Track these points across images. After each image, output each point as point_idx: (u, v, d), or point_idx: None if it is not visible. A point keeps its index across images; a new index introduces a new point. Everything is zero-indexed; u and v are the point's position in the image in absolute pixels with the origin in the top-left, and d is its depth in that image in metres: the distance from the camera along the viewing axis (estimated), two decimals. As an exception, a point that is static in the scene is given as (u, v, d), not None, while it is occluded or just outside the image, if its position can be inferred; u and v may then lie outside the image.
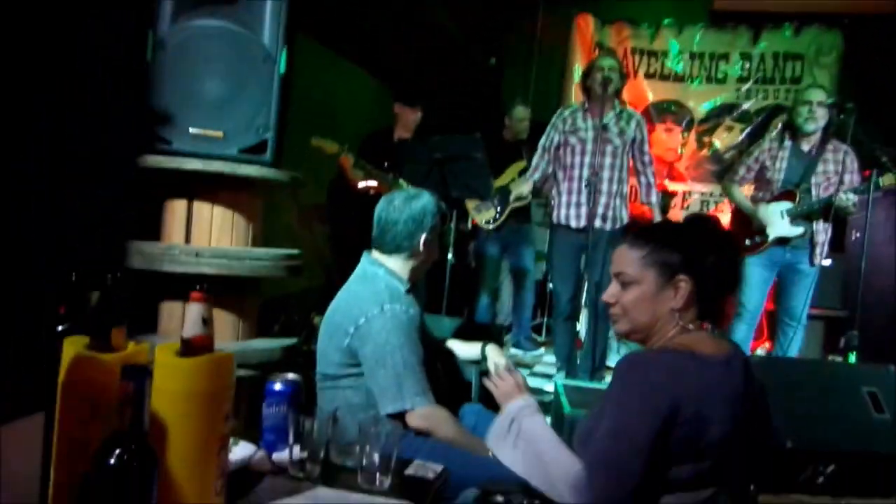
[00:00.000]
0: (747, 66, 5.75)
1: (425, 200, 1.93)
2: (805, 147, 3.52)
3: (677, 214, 5.68)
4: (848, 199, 3.30)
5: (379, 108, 4.91)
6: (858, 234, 4.22)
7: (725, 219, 4.61)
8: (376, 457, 1.21)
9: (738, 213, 3.72)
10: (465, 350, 2.16)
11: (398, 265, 1.93)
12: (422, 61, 5.13)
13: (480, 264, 4.65)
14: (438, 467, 1.23)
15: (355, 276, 1.96)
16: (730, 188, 3.76)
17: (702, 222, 1.46)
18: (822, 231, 3.50)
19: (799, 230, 3.45)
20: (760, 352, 4.10)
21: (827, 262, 4.63)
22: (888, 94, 5.35)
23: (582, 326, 3.69)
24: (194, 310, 0.94)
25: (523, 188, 3.87)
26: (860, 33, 5.50)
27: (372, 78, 5.20)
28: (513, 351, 4.52)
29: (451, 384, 2.11)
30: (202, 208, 2.28)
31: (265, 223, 2.54)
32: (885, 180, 3.25)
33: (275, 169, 2.31)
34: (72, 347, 0.85)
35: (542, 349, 4.65)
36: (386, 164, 3.92)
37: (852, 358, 3.17)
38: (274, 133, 2.32)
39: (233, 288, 2.26)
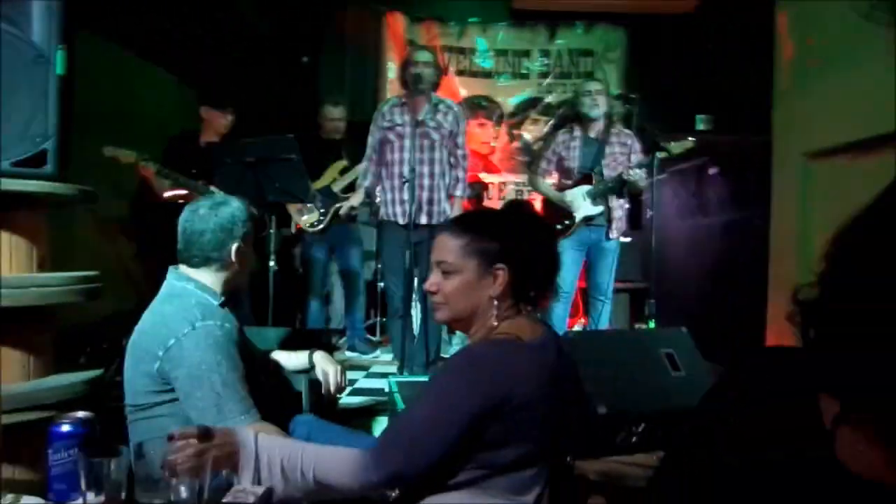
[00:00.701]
0: (547, 62, 6.18)
1: (234, 207, 1.82)
2: (592, 134, 3.87)
3: (494, 205, 5.96)
4: (635, 174, 3.66)
5: (185, 111, 4.59)
6: (651, 212, 4.70)
7: (538, 206, 4.92)
8: (183, 490, 1.10)
9: (547, 202, 4.00)
10: (292, 360, 2.09)
11: (209, 278, 1.81)
12: (230, 61, 4.88)
13: (307, 269, 4.53)
14: (260, 489, 1.15)
15: (161, 294, 1.81)
16: (535, 181, 4.05)
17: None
18: (618, 207, 3.88)
19: (599, 208, 3.79)
20: (577, 328, 4.42)
21: (627, 239, 5.14)
22: (667, 85, 6.02)
23: (415, 321, 3.73)
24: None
25: (355, 199, 3.81)
26: (642, 31, 6.13)
27: (176, 79, 4.85)
28: (348, 354, 4.47)
29: (280, 397, 2.03)
30: (-29, 233, 1.98)
31: (58, 244, 2.26)
32: (661, 154, 3.66)
33: (58, 183, 2.06)
34: None
35: (378, 349, 4.65)
36: (194, 171, 3.68)
37: (652, 324, 3.53)
38: (55, 142, 2.06)
39: (17, 320, 1.99)
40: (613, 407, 2.13)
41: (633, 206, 5.61)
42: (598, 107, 3.79)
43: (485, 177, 5.99)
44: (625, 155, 3.85)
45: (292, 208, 4.25)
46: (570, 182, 3.87)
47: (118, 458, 1.11)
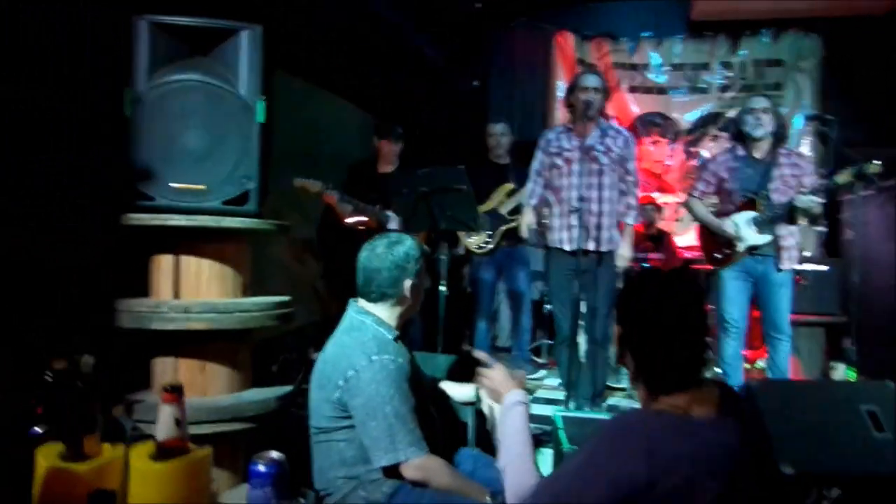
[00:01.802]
0: (729, 74, 5.79)
1: (408, 246, 1.93)
2: (757, 155, 3.48)
3: (670, 226, 5.68)
4: (808, 200, 3.25)
5: (365, 136, 4.92)
6: (853, 234, 4.20)
7: (693, 237, 4.60)
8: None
9: (705, 227, 3.68)
10: (459, 392, 2.15)
11: (385, 313, 1.92)
12: (403, 89, 5.15)
13: (476, 290, 4.62)
14: None
15: (343, 326, 1.95)
16: (691, 204, 3.71)
17: (643, 288, 1.43)
18: (788, 235, 3.44)
19: (767, 238, 3.40)
20: (761, 363, 4.05)
21: (824, 268, 4.65)
22: (870, 96, 5.38)
23: (581, 349, 3.67)
24: (166, 412, 0.93)
25: (526, 219, 3.71)
26: (840, 37, 5.53)
27: (355, 107, 5.22)
28: (514, 375, 4.49)
29: (447, 428, 2.09)
30: (189, 262, 2.28)
31: (256, 265, 2.54)
32: (841, 178, 3.21)
33: (260, 219, 2.31)
34: (45, 459, 0.84)
35: (543, 371, 4.62)
36: (372, 196, 3.93)
37: (851, 372, 3.14)
38: (256, 182, 2.32)
39: (224, 340, 2.26)
40: (801, 467, 1.93)
41: (831, 228, 5.08)
42: (762, 126, 3.40)
43: (659, 197, 5.73)
44: (796, 178, 3.42)
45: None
46: (732, 207, 3.52)
47: (306, 499, 1.22)
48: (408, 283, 1.91)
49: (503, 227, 4.40)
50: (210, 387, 2.23)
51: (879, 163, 3.12)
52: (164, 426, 0.93)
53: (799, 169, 3.46)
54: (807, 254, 4.93)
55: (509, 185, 4.44)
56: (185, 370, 2.18)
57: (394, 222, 3.85)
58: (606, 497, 1.18)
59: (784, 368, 3.49)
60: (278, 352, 3.90)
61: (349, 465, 1.78)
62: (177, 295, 2.25)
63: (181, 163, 2.25)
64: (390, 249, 1.91)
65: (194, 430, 1.74)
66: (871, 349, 3.87)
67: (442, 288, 3.33)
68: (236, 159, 2.29)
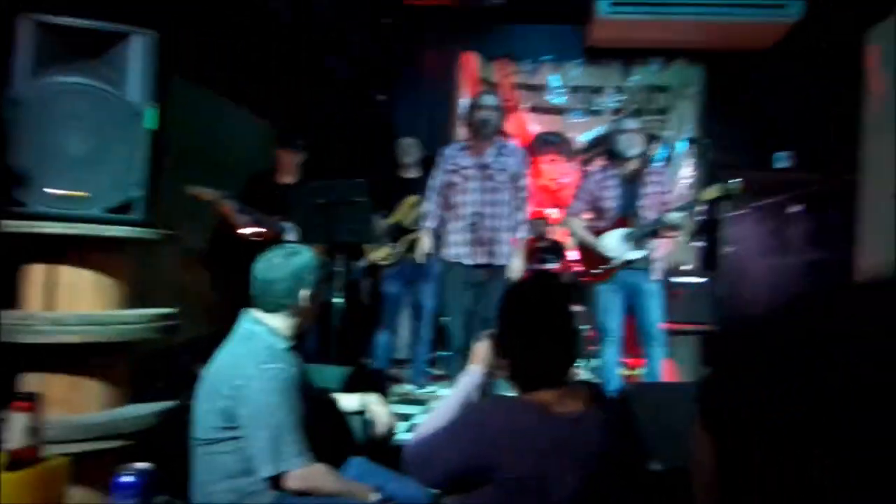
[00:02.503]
0: (621, 98, 6.14)
1: (306, 257, 1.94)
2: (628, 174, 3.71)
3: (565, 240, 5.92)
4: (675, 216, 3.51)
5: (263, 150, 4.84)
6: (729, 250, 4.54)
7: (571, 251, 4.82)
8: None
9: (584, 244, 3.87)
10: (347, 402, 2.17)
11: (280, 323, 1.92)
12: (308, 100, 5.12)
13: (380, 303, 4.63)
14: None
15: (234, 335, 1.93)
16: (570, 222, 3.90)
17: (517, 298, 1.58)
18: (657, 249, 3.70)
19: (641, 252, 3.63)
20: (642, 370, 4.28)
21: (701, 280, 4.99)
22: (746, 122, 5.86)
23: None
24: (18, 420, 0.90)
25: (425, 243, 3.77)
26: (720, 68, 6.01)
27: (258, 117, 5.13)
28: (408, 387, 4.53)
29: (336, 438, 2.11)
30: (66, 273, 2.17)
31: (141, 275, 2.45)
32: (706, 195, 3.51)
33: (145, 228, 2.24)
34: None
35: (437, 384, 4.67)
36: (270, 208, 3.87)
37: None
38: (143, 191, 2.25)
39: (101, 354, 2.16)
40: (670, 463, 2.08)
41: (709, 243, 5.46)
42: (634, 146, 3.63)
43: (553, 212, 5.97)
44: (660, 195, 3.70)
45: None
46: (605, 224, 3.74)
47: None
48: (305, 294, 1.92)
49: (407, 238, 4.43)
50: (83, 404, 2.13)
51: (740, 180, 3.42)
52: (15, 435, 0.90)
53: (662, 186, 3.74)
54: (686, 267, 5.28)
55: (414, 197, 4.48)
56: (56, 386, 2.06)
57: (291, 234, 3.81)
58: (456, 464, 1.36)
59: (657, 373, 3.73)
60: (165, 367, 3.76)
61: (232, 477, 1.76)
62: (50, 306, 2.14)
63: (62, 168, 2.16)
64: (288, 260, 1.92)
65: (64, 448, 1.66)
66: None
67: (338, 300, 3.33)
68: (122, 166, 2.22)
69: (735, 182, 3.40)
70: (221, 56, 4.13)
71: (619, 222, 3.70)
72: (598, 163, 6.09)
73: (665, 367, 3.87)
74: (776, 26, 5.46)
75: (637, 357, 4.04)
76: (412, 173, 4.60)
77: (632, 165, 3.69)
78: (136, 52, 2.27)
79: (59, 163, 2.15)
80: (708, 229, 3.75)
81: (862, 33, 4.86)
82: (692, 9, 5.42)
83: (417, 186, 4.53)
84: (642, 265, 3.67)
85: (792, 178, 5.38)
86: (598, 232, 3.77)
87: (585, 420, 1.38)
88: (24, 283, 2.18)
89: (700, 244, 5.42)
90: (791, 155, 5.76)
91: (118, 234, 2.17)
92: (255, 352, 1.82)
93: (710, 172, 3.90)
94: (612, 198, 3.71)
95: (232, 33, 3.87)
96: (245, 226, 3.74)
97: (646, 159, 3.76)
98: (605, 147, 3.91)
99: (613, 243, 3.66)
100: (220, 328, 2.09)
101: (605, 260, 3.69)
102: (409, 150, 4.60)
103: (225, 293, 4.21)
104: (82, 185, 2.18)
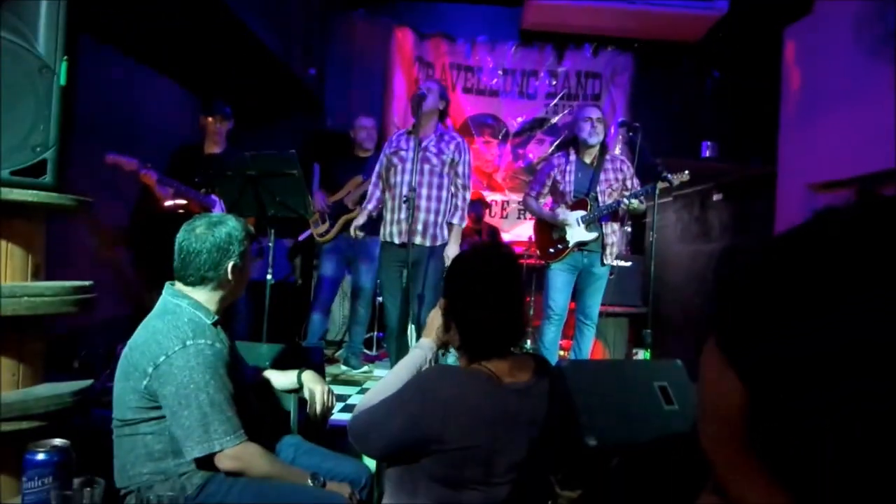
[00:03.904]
0: (554, 83, 6.19)
1: (230, 226, 1.82)
2: (587, 160, 3.86)
3: (497, 222, 5.96)
4: (632, 202, 3.64)
5: (191, 119, 4.61)
6: (655, 236, 4.69)
7: (529, 230, 4.91)
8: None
9: (540, 225, 3.99)
10: (281, 379, 2.07)
11: (204, 296, 1.80)
12: (233, 71, 4.89)
13: (318, 282, 4.54)
14: None
15: (156, 310, 1.80)
16: (528, 202, 4.02)
17: (464, 264, 1.53)
18: (611, 234, 3.84)
19: (594, 234, 3.76)
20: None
21: (627, 264, 5.12)
22: (674, 111, 6.05)
23: (412, 340, 3.71)
24: None
25: (359, 220, 3.75)
26: (650, 57, 6.15)
27: (181, 87, 4.88)
28: (343, 368, 4.45)
29: (270, 416, 2.01)
30: (-34, 240, 1.97)
31: (56, 250, 2.26)
32: (661, 185, 3.64)
33: (57, 193, 2.06)
34: None
35: (372, 365, 4.62)
36: (197, 180, 3.69)
37: (648, 354, 3.50)
38: (55, 151, 2.07)
39: (9, 329, 1.98)
40: (603, 438, 2.10)
41: (636, 229, 5.62)
42: (596, 134, 3.78)
43: (488, 195, 5.99)
44: (619, 182, 3.83)
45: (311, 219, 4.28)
46: (564, 206, 3.86)
47: (92, 489, 1.10)
48: (230, 266, 1.80)
49: (343, 216, 4.36)
50: (-9, 381, 1.95)
51: (686, 172, 3.64)
52: None
53: (622, 173, 3.85)
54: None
55: (359, 177, 4.42)
56: (-42, 362, 1.89)
57: (218, 206, 3.64)
58: (401, 433, 1.33)
59: (586, 352, 3.87)
60: (82, 346, 3.54)
61: (156, 459, 1.65)
62: (-51, 277, 1.94)
63: (-41, 125, 1.95)
64: (211, 230, 1.79)
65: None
66: (665, 335, 4.34)
67: (269, 277, 3.21)
68: (30, 125, 2.03)
69: (687, 173, 3.54)
70: (138, 19, 3.87)
71: (577, 205, 3.79)
72: (534, 145, 6.18)
73: (593, 347, 3.97)
74: (704, 18, 5.63)
75: (569, 338, 4.11)
76: (367, 153, 4.51)
77: (592, 152, 3.81)
78: (45, 2, 2.08)
79: (-42, 119, 1.95)
80: (636, 215, 3.88)
81: (781, 30, 5.07)
82: (623, -4, 5.53)
83: (365, 166, 4.44)
84: (595, 247, 3.76)
85: (714, 168, 5.59)
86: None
87: (532, 390, 1.37)
88: (-84, 251, 1.97)
89: (627, 229, 5.56)
90: (713, 145, 5.99)
91: (26, 199, 1.98)
92: (177, 326, 1.70)
93: (639, 157, 4.00)
94: (571, 182, 3.82)
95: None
96: (167, 197, 3.55)
97: (604, 145, 3.87)
98: (568, 134, 4.02)
99: (569, 223, 3.77)
100: (142, 306, 1.96)
101: (562, 240, 3.76)
102: (370, 129, 4.51)
103: (147, 270, 4.00)
104: (-15, 145, 1.98)
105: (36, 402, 1.94)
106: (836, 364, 0.42)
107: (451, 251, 3.59)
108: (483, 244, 1.81)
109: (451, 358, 1.65)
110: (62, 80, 2.08)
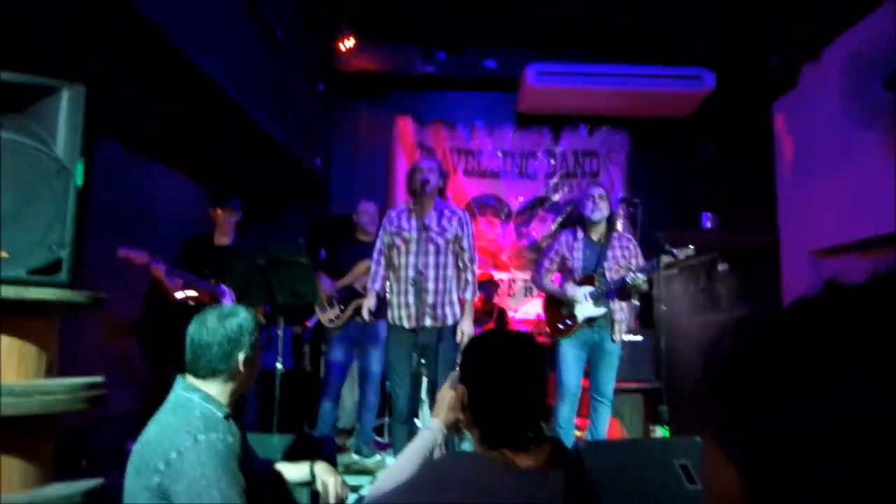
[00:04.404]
0: (552, 162, 6.36)
1: (241, 317, 1.84)
2: (595, 237, 3.91)
3: (504, 301, 5.97)
4: (638, 277, 3.67)
5: (200, 211, 4.72)
6: (664, 308, 4.68)
7: (538, 308, 4.91)
8: None
9: (549, 301, 4.00)
10: (294, 472, 2.03)
11: (216, 389, 1.80)
12: (241, 164, 5.05)
13: (326, 369, 4.49)
14: None
15: (167, 404, 1.80)
16: (537, 278, 4.05)
17: (477, 353, 1.49)
18: (619, 310, 3.84)
19: (602, 310, 3.76)
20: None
21: (638, 338, 5.09)
22: (671, 185, 6.18)
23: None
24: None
25: (369, 303, 3.69)
26: (644, 134, 6.35)
27: (191, 181, 5.02)
28: (354, 457, 4.35)
29: (281, 510, 1.97)
30: (-18, 339, 1.99)
31: (67, 344, 2.28)
32: (665, 259, 3.69)
33: (72, 290, 2.10)
34: None
35: (384, 453, 4.52)
36: (207, 270, 3.74)
37: (666, 430, 3.42)
38: (70, 251, 2.12)
39: (21, 428, 1.97)
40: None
41: (644, 302, 5.61)
42: (599, 211, 3.84)
43: (495, 273, 6.03)
44: (626, 259, 3.87)
45: (317, 304, 4.29)
46: (572, 282, 3.88)
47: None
48: (241, 357, 1.81)
49: (354, 301, 4.36)
50: (4, 482, 1.92)
51: (692, 247, 3.69)
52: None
53: (629, 251, 3.90)
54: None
55: (367, 262, 4.44)
56: (-31, 465, 1.87)
57: (228, 296, 3.67)
58: None
59: (603, 431, 3.78)
60: (91, 443, 3.49)
61: (168, 560, 1.60)
62: (-36, 377, 1.95)
63: (-20, 227, 2.01)
64: (222, 322, 1.81)
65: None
66: (681, 409, 4.25)
67: (279, 366, 3.20)
68: (47, 224, 2.09)
69: (688, 249, 3.62)
70: (150, 116, 4.05)
71: (584, 281, 3.82)
72: (536, 223, 6.28)
73: (610, 426, 3.89)
74: (693, 95, 5.84)
75: (584, 417, 4.03)
76: (370, 238, 4.55)
77: (598, 229, 3.88)
78: (65, 107, 2.18)
79: (-21, 222, 2.01)
80: (640, 292, 3.90)
81: (770, 102, 5.26)
82: (613, 80, 5.76)
83: (371, 250, 4.49)
84: (604, 324, 3.76)
85: (716, 239, 5.64)
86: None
87: (549, 475, 1.34)
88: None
89: (635, 303, 5.56)
90: (713, 216, 6.07)
91: (42, 297, 2.02)
92: (189, 421, 1.69)
93: (641, 231, 4.07)
94: (578, 258, 3.87)
95: (162, 94, 3.80)
96: (177, 289, 3.59)
97: (611, 222, 3.94)
98: (571, 211, 4.09)
99: (578, 299, 3.78)
100: (153, 401, 1.95)
101: (571, 316, 3.76)
102: (373, 215, 4.58)
103: (158, 363, 4.00)
104: (3, 245, 2.03)
105: (46, 504, 1.91)
106: (845, 440, 0.41)
107: (466, 327, 3.56)
108: (501, 330, 1.80)
109: (467, 444, 1.63)
110: (78, 181, 2.16)
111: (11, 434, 1.95)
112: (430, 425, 1.62)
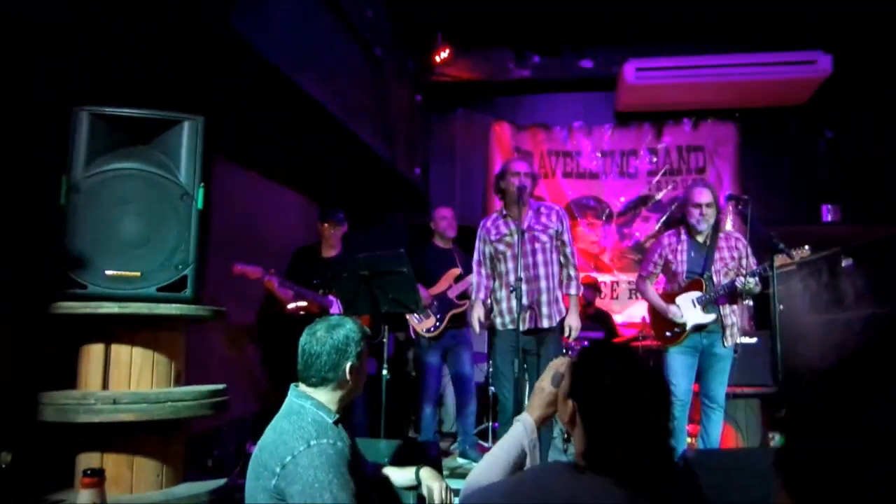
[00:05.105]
0: (655, 159, 6.15)
1: (348, 328, 1.93)
2: (700, 239, 3.72)
3: (608, 304, 5.84)
4: (748, 281, 3.47)
5: (308, 221, 4.96)
6: (781, 308, 4.41)
7: (643, 312, 4.75)
8: None
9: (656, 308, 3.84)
10: (400, 476, 2.11)
11: (325, 397, 1.90)
12: (346, 179, 5.26)
13: (422, 374, 4.58)
14: None
15: (282, 411, 1.91)
16: (642, 285, 3.90)
17: (590, 367, 1.33)
18: (730, 314, 3.64)
19: (711, 316, 3.60)
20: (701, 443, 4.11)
21: (753, 340, 4.83)
22: (785, 177, 5.82)
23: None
24: (85, 497, 0.90)
25: (478, 314, 3.67)
26: (754, 124, 6.01)
27: (298, 194, 5.28)
28: (459, 460, 4.41)
29: (389, 514, 2.04)
30: (120, 351, 2.21)
31: (191, 354, 2.48)
32: (778, 261, 3.48)
33: (196, 305, 2.28)
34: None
35: (488, 456, 4.54)
36: (315, 281, 3.93)
37: (782, 439, 3.23)
38: (194, 268, 2.31)
39: (155, 432, 2.17)
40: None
41: (759, 302, 5.31)
42: (706, 221, 3.64)
43: (597, 276, 5.92)
44: (735, 260, 3.67)
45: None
46: (677, 287, 3.73)
47: None
48: (348, 366, 1.90)
49: (451, 312, 4.43)
50: (138, 482, 2.12)
51: (807, 247, 3.46)
52: (83, 512, 0.89)
53: (737, 251, 3.69)
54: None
55: (457, 270, 4.52)
56: (111, 465, 2.07)
57: (335, 306, 3.84)
58: None
59: (715, 438, 3.60)
60: (214, 444, 3.75)
61: (286, 558, 1.71)
62: (106, 385, 2.17)
63: (117, 250, 2.24)
64: (330, 333, 1.91)
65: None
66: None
67: (384, 372, 3.30)
68: (173, 245, 2.29)
69: (804, 250, 3.42)
70: (261, 138, 4.30)
71: (691, 286, 3.68)
72: (639, 223, 6.10)
73: (724, 432, 3.71)
74: (808, 81, 5.46)
75: (694, 423, 3.88)
76: (449, 244, 4.64)
77: (703, 232, 3.70)
78: (186, 137, 2.38)
79: (114, 244, 2.23)
80: (752, 294, 3.66)
81: (894, 82, 4.84)
82: (718, 71, 5.47)
83: (455, 256, 4.56)
84: (715, 328, 3.61)
85: (838, 232, 5.26)
86: (671, 295, 3.76)
87: (655, 496, 1.30)
88: (81, 363, 2.22)
89: (749, 303, 5.28)
90: (835, 208, 5.66)
91: (170, 312, 2.21)
92: (301, 427, 1.79)
93: (751, 228, 3.85)
94: (684, 262, 3.72)
95: (272, 118, 4.04)
96: (289, 300, 3.79)
97: (718, 224, 3.74)
98: (675, 211, 3.90)
99: (685, 307, 3.65)
100: (269, 404, 2.09)
101: (677, 323, 3.65)
102: (450, 220, 4.65)
103: (274, 369, 4.24)
104: (136, 265, 2.25)
105: (178, 503, 2.09)
106: None
107: (574, 321, 3.54)
108: (623, 348, 1.61)
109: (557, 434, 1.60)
110: (199, 205, 2.35)
111: (146, 437, 2.15)
112: (522, 418, 1.60)
